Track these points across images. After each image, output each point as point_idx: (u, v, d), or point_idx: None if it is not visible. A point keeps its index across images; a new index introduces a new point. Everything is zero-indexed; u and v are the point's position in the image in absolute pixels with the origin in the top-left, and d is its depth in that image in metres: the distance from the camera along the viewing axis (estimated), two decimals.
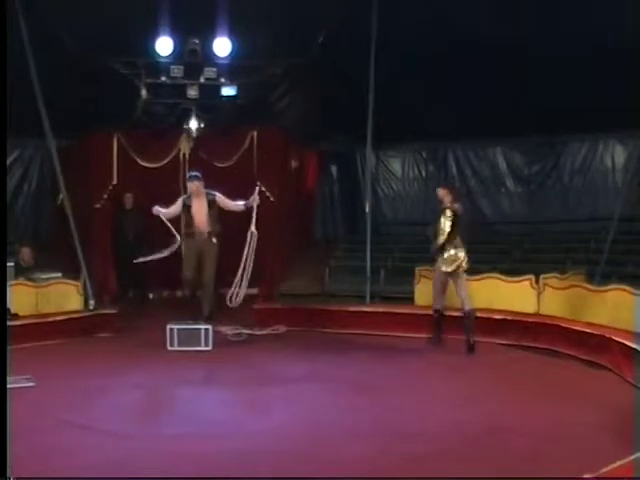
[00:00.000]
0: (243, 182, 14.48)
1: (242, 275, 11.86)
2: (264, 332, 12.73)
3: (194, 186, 11.98)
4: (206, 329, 11.76)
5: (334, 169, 17.30)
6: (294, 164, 15.89)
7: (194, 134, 14.39)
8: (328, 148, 16.72)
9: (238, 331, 12.56)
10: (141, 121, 14.32)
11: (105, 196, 14.73)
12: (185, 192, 13.70)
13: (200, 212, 12.07)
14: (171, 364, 10.78)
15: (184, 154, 14.71)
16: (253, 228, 11.89)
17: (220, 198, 12.14)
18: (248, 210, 11.85)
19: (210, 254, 12.07)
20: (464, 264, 11.30)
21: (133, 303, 15.15)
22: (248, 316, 12.85)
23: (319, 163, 16.74)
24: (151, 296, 15.91)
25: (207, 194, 12.08)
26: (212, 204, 12.17)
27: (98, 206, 14.69)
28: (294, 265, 15.20)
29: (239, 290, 11.90)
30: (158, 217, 12.00)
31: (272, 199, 14.76)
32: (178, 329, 11.70)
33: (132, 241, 15.06)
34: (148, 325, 13.15)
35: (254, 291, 13.98)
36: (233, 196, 13.67)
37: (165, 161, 14.63)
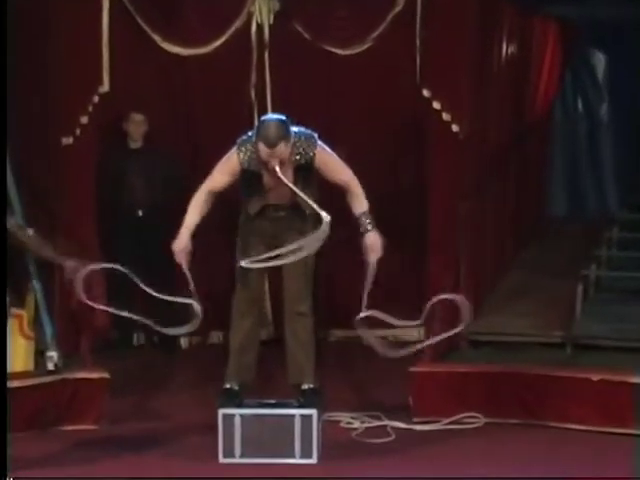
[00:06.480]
0: (387, 95, 13.22)
1: None
2: (434, 427, 10.79)
3: (276, 154, 10.08)
4: (305, 417, 9.98)
5: (599, 61, 15.93)
6: (509, 51, 13.86)
7: None
8: (583, 15, 15.02)
9: (376, 423, 10.68)
10: None
11: (84, 119, 12.59)
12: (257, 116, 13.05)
13: (279, 187, 10.37)
14: None
15: (260, 26, 12.96)
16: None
17: (324, 157, 10.19)
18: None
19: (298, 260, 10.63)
20: None
21: (145, 355, 13.75)
22: (397, 388, 11.15)
23: (564, 49, 15.11)
24: (183, 342, 14.29)
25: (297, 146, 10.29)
26: (307, 170, 10.29)
27: (69, 141, 12.52)
28: (503, 281, 13.65)
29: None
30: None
31: (457, 131, 12.49)
32: (243, 416, 10.02)
33: (144, 218, 13.40)
34: (176, 405, 11.57)
35: (413, 334, 12.39)
36: (364, 123, 13.14)
37: (218, 42, 12.71)
